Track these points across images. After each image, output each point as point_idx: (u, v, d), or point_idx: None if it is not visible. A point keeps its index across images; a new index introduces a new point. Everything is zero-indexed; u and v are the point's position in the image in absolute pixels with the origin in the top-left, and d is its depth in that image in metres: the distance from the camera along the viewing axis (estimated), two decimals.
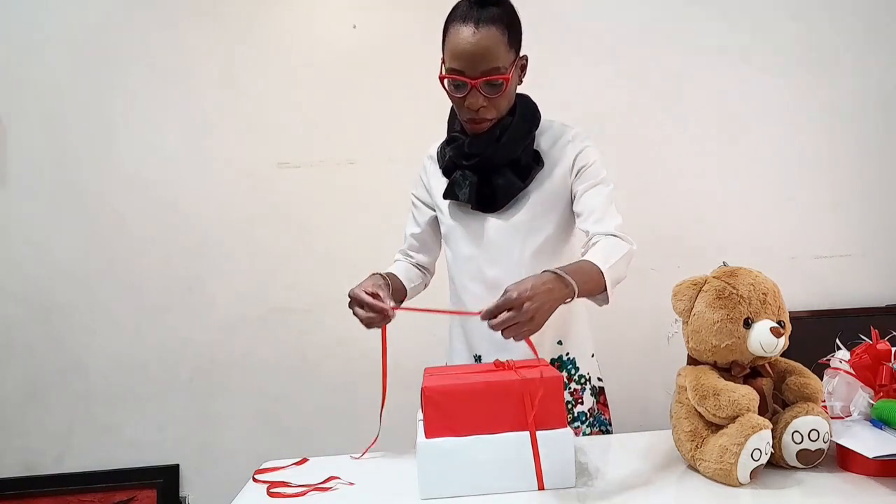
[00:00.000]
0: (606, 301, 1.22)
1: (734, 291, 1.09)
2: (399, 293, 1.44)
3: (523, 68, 1.35)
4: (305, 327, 2.32)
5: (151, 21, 2.28)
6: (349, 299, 1.26)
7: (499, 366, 1.17)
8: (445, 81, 1.30)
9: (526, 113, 1.37)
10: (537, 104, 1.41)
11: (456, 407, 1.08)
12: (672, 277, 1.23)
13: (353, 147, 2.32)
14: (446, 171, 1.41)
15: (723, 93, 2.37)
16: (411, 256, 1.54)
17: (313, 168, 2.32)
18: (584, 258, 1.22)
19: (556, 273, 1.11)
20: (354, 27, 2.31)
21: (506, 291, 1.07)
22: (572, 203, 1.37)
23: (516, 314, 1.04)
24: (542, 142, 1.38)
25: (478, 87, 1.26)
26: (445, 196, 1.40)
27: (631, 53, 2.34)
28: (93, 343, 2.29)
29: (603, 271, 1.18)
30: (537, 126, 1.38)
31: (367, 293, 1.23)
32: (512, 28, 1.28)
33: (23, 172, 2.27)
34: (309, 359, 2.32)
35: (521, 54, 1.33)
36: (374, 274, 1.37)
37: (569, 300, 1.12)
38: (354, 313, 1.25)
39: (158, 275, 2.30)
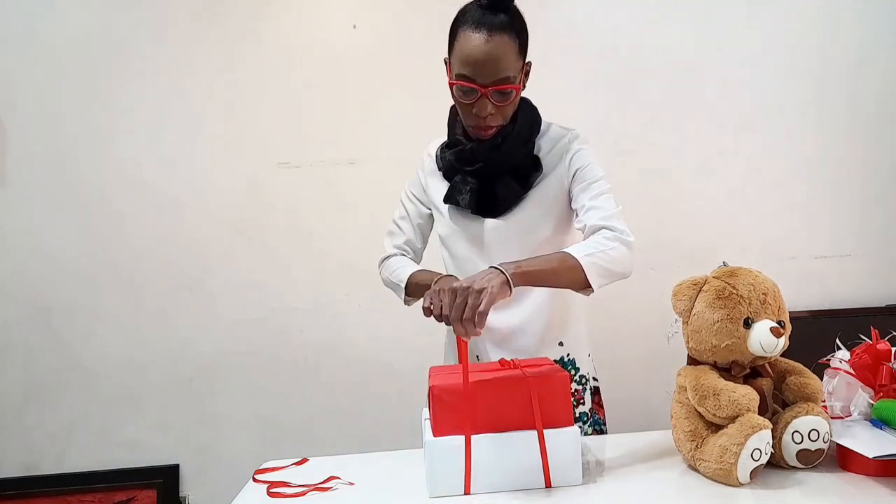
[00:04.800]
0: (591, 289, 1.20)
1: (734, 291, 1.09)
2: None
3: (527, 74, 1.34)
4: (305, 327, 2.32)
5: (151, 21, 2.28)
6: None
7: (504, 364, 1.17)
8: (454, 87, 1.28)
9: (527, 119, 1.36)
10: (536, 107, 1.40)
11: (463, 405, 1.07)
12: (672, 277, 1.23)
13: (353, 147, 2.31)
14: (446, 174, 1.41)
15: (723, 93, 2.36)
16: (407, 251, 1.53)
17: (313, 168, 2.32)
18: (562, 250, 1.21)
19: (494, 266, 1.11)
20: (354, 27, 2.31)
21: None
22: (570, 203, 1.37)
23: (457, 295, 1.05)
24: (542, 146, 1.37)
25: (487, 95, 1.25)
26: (446, 200, 1.40)
27: (632, 52, 2.34)
28: (93, 343, 2.29)
29: (578, 259, 1.17)
30: (538, 131, 1.37)
31: None
32: (521, 35, 1.26)
33: (23, 172, 2.27)
34: (309, 359, 2.32)
35: (527, 60, 1.32)
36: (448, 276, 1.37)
37: (504, 279, 1.09)
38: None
39: (159, 275, 2.30)
